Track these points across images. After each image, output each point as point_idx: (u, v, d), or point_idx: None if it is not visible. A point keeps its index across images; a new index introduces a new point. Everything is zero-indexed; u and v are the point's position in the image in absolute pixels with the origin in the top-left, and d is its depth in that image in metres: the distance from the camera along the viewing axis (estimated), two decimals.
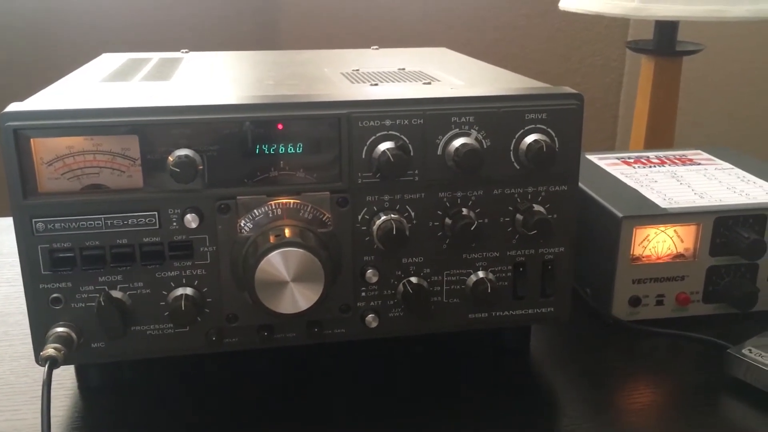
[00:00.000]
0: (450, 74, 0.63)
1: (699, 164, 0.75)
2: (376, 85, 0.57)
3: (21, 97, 0.48)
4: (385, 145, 0.49)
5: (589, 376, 0.57)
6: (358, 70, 0.66)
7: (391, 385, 0.55)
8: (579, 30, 1.91)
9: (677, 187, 0.68)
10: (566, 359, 0.60)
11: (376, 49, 0.85)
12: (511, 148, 0.51)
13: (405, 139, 0.50)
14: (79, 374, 0.54)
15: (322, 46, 0.98)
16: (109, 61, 0.71)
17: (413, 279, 0.52)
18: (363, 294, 0.52)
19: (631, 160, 0.76)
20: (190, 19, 1.70)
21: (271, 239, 0.47)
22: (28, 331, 0.50)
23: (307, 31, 1.76)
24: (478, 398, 0.54)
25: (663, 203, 0.64)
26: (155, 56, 0.75)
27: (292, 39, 1.75)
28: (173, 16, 1.69)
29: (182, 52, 0.79)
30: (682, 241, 0.63)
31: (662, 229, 0.62)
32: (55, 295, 0.48)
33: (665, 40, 1.26)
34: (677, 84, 1.29)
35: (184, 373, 0.56)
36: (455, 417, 0.51)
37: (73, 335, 0.48)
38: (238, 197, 0.49)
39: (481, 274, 0.53)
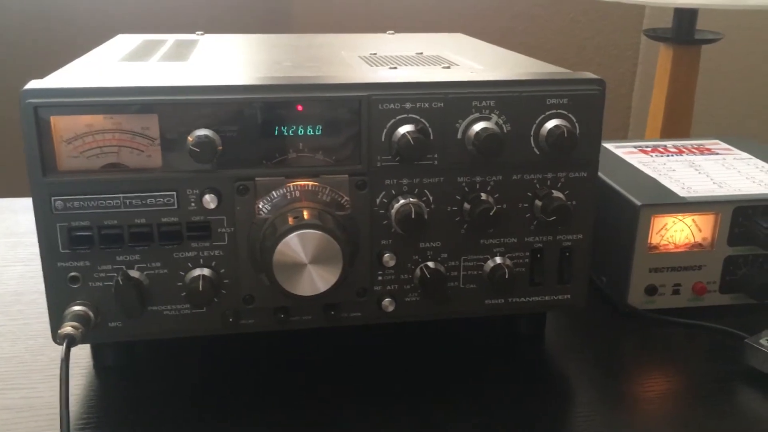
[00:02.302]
0: (469, 59, 0.62)
1: (717, 154, 0.74)
2: (395, 68, 0.57)
3: (34, 77, 0.48)
4: (404, 128, 0.49)
5: (604, 364, 0.57)
6: (375, 53, 0.65)
7: (404, 369, 0.55)
8: (593, 20, 1.90)
9: (696, 176, 0.67)
10: (581, 347, 0.59)
11: (392, 33, 0.85)
12: (532, 133, 0.51)
13: (425, 122, 0.49)
14: (95, 353, 0.54)
15: (332, 30, 0.97)
16: (126, 42, 0.71)
17: (430, 263, 0.52)
18: (380, 278, 0.52)
19: (649, 149, 0.76)
20: (200, 2, 1.70)
21: (290, 221, 0.47)
22: (44, 310, 0.50)
23: (318, 16, 1.75)
24: (491, 384, 0.53)
25: (681, 192, 0.63)
26: (171, 38, 0.75)
27: (302, 24, 1.75)
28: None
29: (197, 34, 0.79)
30: (700, 230, 0.62)
31: (680, 218, 0.62)
32: (73, 273, 0.48)
33: (684, 28, 1.25)
34: (695, 73, 1.28)
35: (198, 354, 0.56)
36: (468, 403, 0.51)
37: (91, 314, 0.48)
38: (256, 178, 0.48)
39: (498, 259, 0.53)
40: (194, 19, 1.68)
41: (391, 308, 0.52)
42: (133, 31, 0.81)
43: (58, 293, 0.49)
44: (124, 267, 0.49)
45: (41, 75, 0.50)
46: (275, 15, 1.75)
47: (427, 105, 0.49)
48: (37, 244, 0.48)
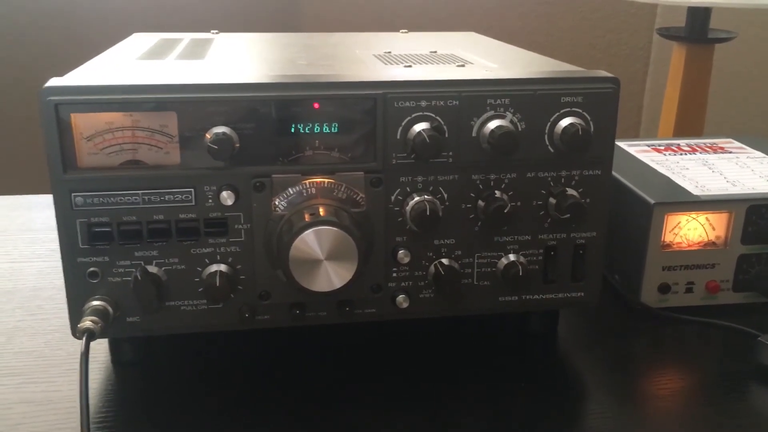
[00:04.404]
0: (482, 57, 0.63)
1: (731, 152, 0.74)
2: (410, 66, 0.57)
3: (52, 76, 0.49)
4: (420, 126, 0.49)
5: (616, 362, 0.57)
6: (390, 52, 0.66)
7: (417, 365, 0.55)
8: (604, 18, 1.90)
9: (709, 175, 0.67)
10: (593, 345, 0.59)
11: (405, 32, 0.85)
12: (546, 131, 0.51)
13: (440, 120, 0.50)
14: (113, 348, 0.55)
15: (344, 29, 0.98)
16: (142, 41, 0.72)
17: (444, 260, 0.52)
18: (394, 274, 0.52)
19: (662, 148, 0.76)
20: (212, 1, 1.70)
21: (306, 218, 0.47)
22: (62, 305, 0.50)
23: (329, 15, 1.75)
24: (504, 382, 0.54)
25: (695, 190, 0.63)
26: (186, 36, 0.76)
27: (313, 22, 1.75)
28: None
29: (212, 33, 0.79)
30: (713, 228, 0.62)
31: (694, 216, 0.62)
32: (92, 269, 0.49)
33: (697, 27, 1.24)
34: (709, 72, 1.28)
35: (215, 349, 0.56)
36: (480, 400, 0.52)
37: (110, 309, 0.49)
38: (273, 175, 0.49)
39: (512, 257, 0.53)
40: (205, 18, 1.69)
41: (405, 305, 0.53)
42: (146, 30, 0.82)
43: (78, 288, 0.49)
44: (142, 262, 0.49)
45: (57, 73, 0.50)
46: (286, 14, 1.76)
47: (442, 103, 0.49)
48: (55, 241, 0.49)
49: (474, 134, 0.50)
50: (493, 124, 0.50)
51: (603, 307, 0.59)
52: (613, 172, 0.63)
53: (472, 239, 0.53)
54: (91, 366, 0.53)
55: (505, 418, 0.50)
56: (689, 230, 0.62)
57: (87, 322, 0.47)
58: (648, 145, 0.76)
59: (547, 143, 0.51)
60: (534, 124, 0.51)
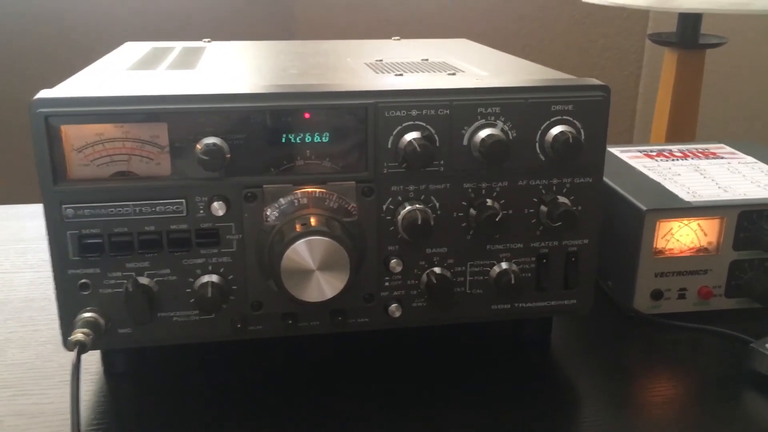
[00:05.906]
0: (474, 65, 0.63)
1: (722, 158, 0.74)
2: (401, 75, 0.58)
3: (43, 86, 0.49)
4: (411, 135, 0.49)
5: (610, 369, 0.57)
6: (381, 60, 0.66)
7: (410, 374, 0.55)
8: (597, 23, 1.90)
9: (701, 181, 0.67)
10: (587, 352, 0.60)
11: (397, 39, 0.85)
12: (537, 139, 0.51)
13: (431, 129, 0.50)
14: (105, 359, 0.55)
15: (337, 36, 0.98)
16: (133, 50, 0.72)
17: (437, 269, 0.52)
18: (387, 283, 0.52)
19: (654, 154, 0.76)
20: (205, 8, 1.71)
21: (297, 228, 0.47)
22: (54, 316, 0.50)
23: (322, 21, 1.76)
24: (497, 389, 0.54)
25: (687, 197, 0.63)
26: (178, 45, 0.76)
27: (307, 29, 1.76)
28: (189, 5, 1.69)
29: (204, 42, 0.79)
30: (705, 234, 0.63)
31: (686, 222, 0.62)
32: (83, 280, 0.49)
33: (689, 32, 1.25)
34: (700, 77, 1.28)
35: (207, 360, 0.56)
36: (474, 408, 0.51)
37: (101, 320, 0.49)
38: (264, 186, 0.49)
39: (504, 265, 0.53)
40: (198, 25, 1.69)
41: (398, 314, 0.53)
42: (139, 37, 0.82)
43: (69, 300, 0.49)
44: (133, 274, 0.49)
45: (48, 82, 0.50)
46: (279, 21, 1.76)
47: (433, 112, 0.49)
48: (47, 251, 0.49)
49: (465, 143, 0.50)
50: (484, 133, 0.50)
51: (596, 313, 0.58)
52: (605, 179, 0.63)
53: (464, 248, 0.53)
54: (83, 377, 0.53)
55: (499, 425, 0.50)
56: (681, 236, 0.62)
57: (78, 335, 0.47)
58: (640, 151, 0.77)
59: (538, 151, 0.51)
60: (525, 132, 0.51)
